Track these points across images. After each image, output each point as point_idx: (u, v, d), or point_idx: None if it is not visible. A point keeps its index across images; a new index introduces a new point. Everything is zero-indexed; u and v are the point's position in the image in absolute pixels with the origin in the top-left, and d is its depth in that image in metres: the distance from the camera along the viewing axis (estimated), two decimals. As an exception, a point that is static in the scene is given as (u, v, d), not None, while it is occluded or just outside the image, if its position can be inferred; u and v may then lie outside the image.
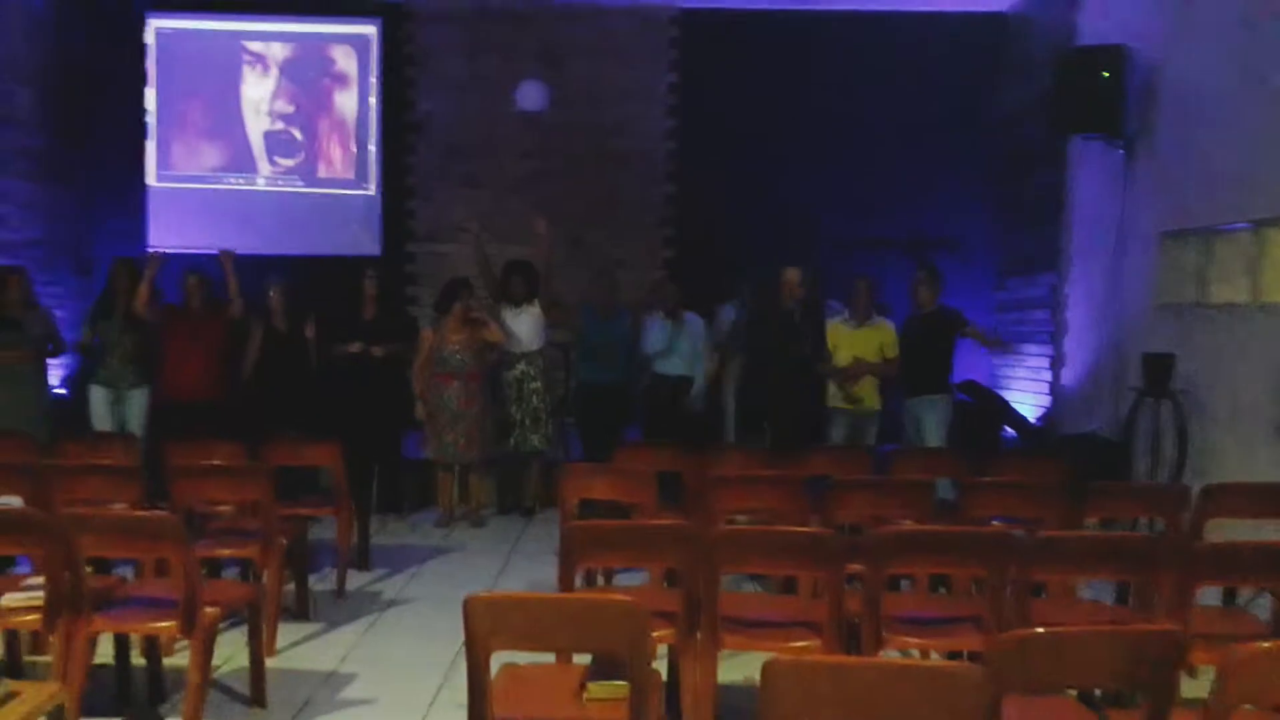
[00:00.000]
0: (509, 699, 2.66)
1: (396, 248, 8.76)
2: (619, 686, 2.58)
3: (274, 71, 8.85)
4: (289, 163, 8.88)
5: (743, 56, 8.47)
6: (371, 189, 8.84)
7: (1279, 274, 5.24)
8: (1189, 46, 6.09)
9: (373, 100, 8.82)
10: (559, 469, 5.68)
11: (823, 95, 8.37)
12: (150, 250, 7.38)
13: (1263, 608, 3.84)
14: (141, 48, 8.59)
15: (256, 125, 8.85)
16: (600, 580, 4.39)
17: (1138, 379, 6.14)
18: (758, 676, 3.74)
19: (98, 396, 6.39)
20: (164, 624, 3.34)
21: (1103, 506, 4.29)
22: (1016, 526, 3.97)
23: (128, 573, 4.18)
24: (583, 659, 3.00)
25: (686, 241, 8.63)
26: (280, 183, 8.85)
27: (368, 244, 8.72)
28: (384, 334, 6.69)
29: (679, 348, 6.93)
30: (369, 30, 8.81)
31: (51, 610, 3.24)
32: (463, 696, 2.56)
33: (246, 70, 8.82)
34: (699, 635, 3.17)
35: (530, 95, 8.62)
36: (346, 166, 8.88)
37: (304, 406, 6.45)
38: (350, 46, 8.85)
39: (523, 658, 2.80)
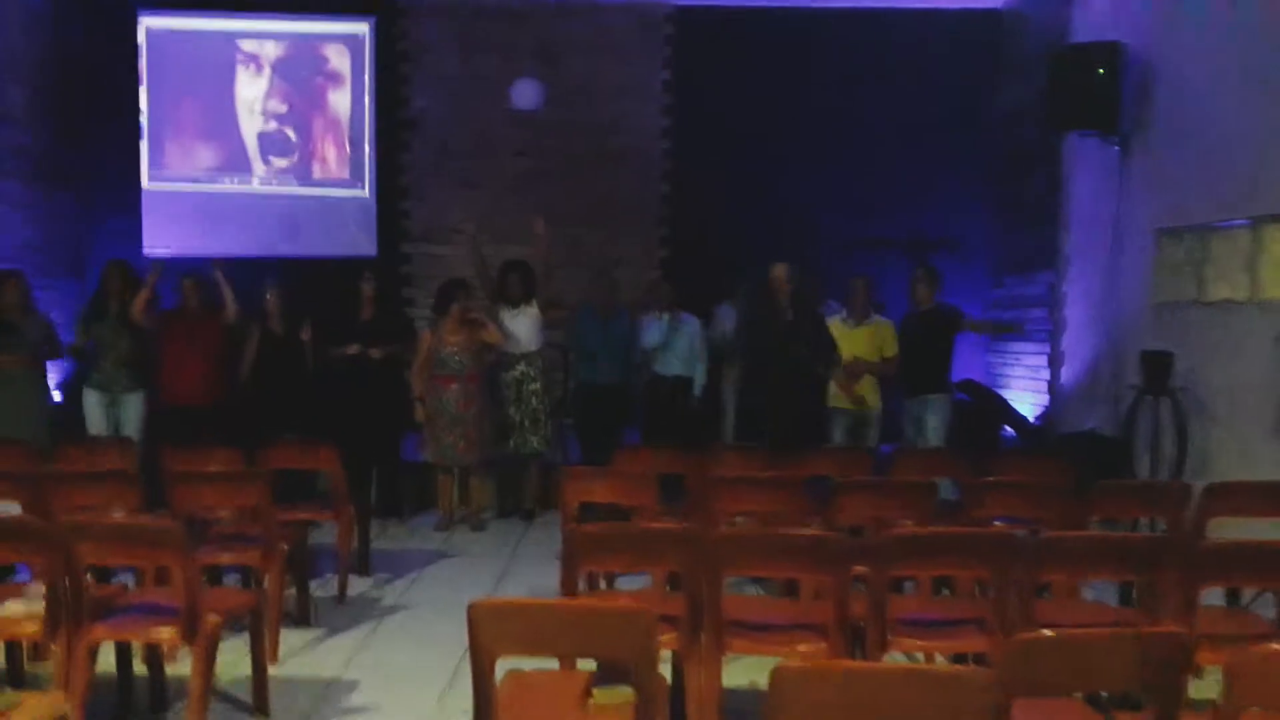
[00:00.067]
0: (514, 706, 2.64)
1: (392, 248, 8.73)
2: (625, 693, 2.57)
3: (267, 71, 8.82)
4: (283, 163, 8.85)
5: (738, 54, 8.46)
6: (366, 189, 8.81)
7: (1277, 271, 5.25)
8: (1183, 42, 6.10)
9: (367, 99, 8.78)
10: (558, 471, 5.68)
11: (819, 93, 8.37)
12: (151, 257, 7.34)
13: (1266, 606, 3.85)
14: (134, 48, 8.54)
15: (250, 125, 8.82)
16: (602, 584, 4.37)
17: (1136, 377, 6.15)
18: (763, 680, 3.76)
19: (92, 400, 6.36)
20: (166, 632, 3.32)
21: (1105, 506, 4.29)
22: (1018, 527, 3.98)
23: (128, 580, 4.16)
24: (587, 664, 2.99)
25: (683, 241, 8.62)
26: (275, 183, 8.82)
27: (363, 244, 8.70)
28: (381, 336, 6.67)
29: (676, 347, 6.93)
30: (362, 28, 8.78)
31: (52, 619, 3.22)
32: (466, 703, 2.55)
33: (240, 70, 8.79)
34: (703, 640, 3.16)
35: (525, 93, 8.60)
36: (341, 166, 8.85)
37: (301, 409, 6.43)
38: (343, 45, 8.82)
39: (525, 663, 2.78)
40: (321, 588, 5.07)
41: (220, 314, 6.48)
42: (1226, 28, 5.70)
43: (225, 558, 4.38)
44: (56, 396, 7.29)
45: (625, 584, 4.53)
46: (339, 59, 8.82)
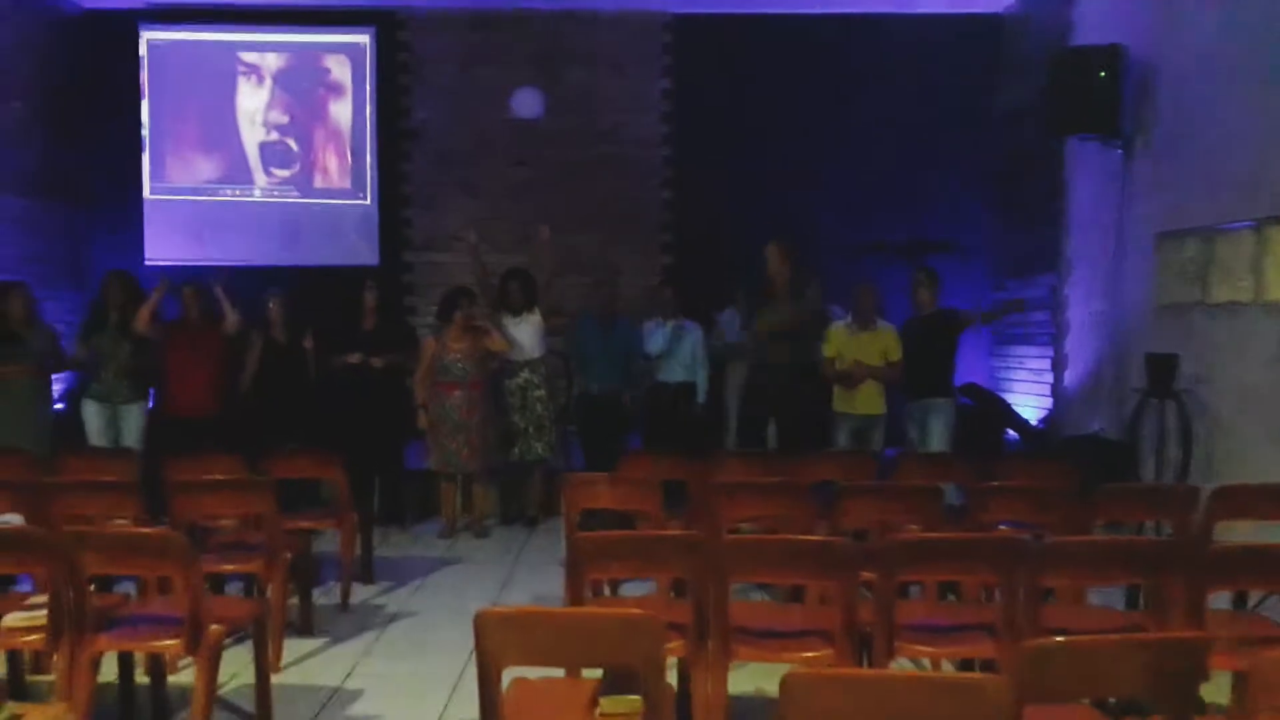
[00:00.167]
0: (520, 715, 2.62)
1: (393, 257, 8.73)
2: (632, 701, 2.55)
3: (268, 82, 8.83)
4: (285, 173, 8.85)
5: (737, 61, 8.48)
6: (368, 198, 8.81)
7: (1281, 273, 5.24)
8: (1184, 44, 6.09)
9: (368, 109, 8.79)
10: (561, 478, 5.66)
11: (819, 99, 8.38)
12: (152, 268, 7.34)
13: (1273, 609, 3.83)
14: (136, 60, 8.56)
15: (252, 136, 8.83)
16: (606, 591, 4.35)
17: (1140, 380, 6.13)
18: (769, 687, 3.76)
19: (91, 411, 6.35)
20: (169, 642, 3.30)
21: (1110, 509, 4.27)
22: (1023, 531, 3.96)
23: (129, 589, 4.14)
24: (592, 672, 2.97)
25: (684, 248, 8.62)
26: (276, 194, 8.82)
27: (365, 254, 8.69)
28: (383, 344, 6.66)
29: (678, 354, 6.93)
30: (363, 39, 8.79)
31: (55, 630, 3.20)
32: (471, 711, 2.53)
33: (241, 81, 8.80)
34: (710, 647, 3.14)
35: (525, 102, 8.63)
36: (343, 176, 8.85)
37: (304, 418, 6.42)
38: (344, 56, 8.83)
39: (528, 672, 2.76)
40: (324, 596, 5.05)
41: (221, 324, 6.48)
42: (1227, 29, 5.70)
43: (227, 566, 4.36)
44: (59, 407, 7.28)
45: (628, 590, 4.52)
46: (340, 69, 8.83)
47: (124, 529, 3.85)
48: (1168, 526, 4.55)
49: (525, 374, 6.70)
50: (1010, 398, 8.00)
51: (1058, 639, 2.14)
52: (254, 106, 8.81)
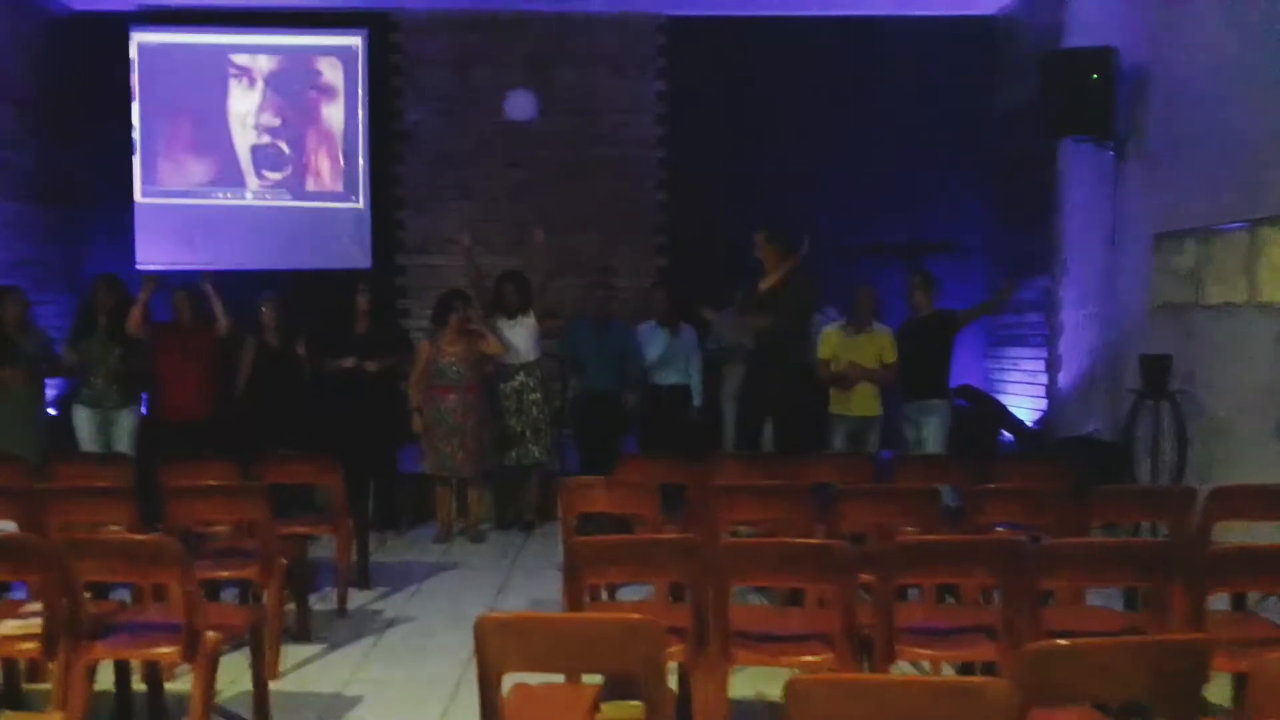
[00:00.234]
0: (522, 721, 2.61)
1: (386, 260, 8.70)
2: (634, 706, 2.54)
3: (260, 84, 8.79)
4: (277, 176, 8.82)
5: (731, 63, 8.48)
6: (360, 202, 8.78)
7: (1275, 273, 5.25)
8: (1177, 45, 6.11)
9: (360, 112, 8.76)
10: (557, 482, 5.65)
11: (814, 101, 8.38)
12: (142, 271, 7.30)
13: (1272, 610, 3.84)
14: (127, 62, 8.51)
15: (243, 139, 8.79)
16: (604, 595, 4.34)
17: (1135, 381, 6.14)
18: (769, 691, 3.76)
19: (82, 417, 6.30)
20: (165, 650, 3.28)
21: (1107, 511, 4.27)
22: (1019, 533, 3.96)
23: (124, 596, 4.12)
24: (592, 678, 2.96)
25: (680, 250, 8.61)
26: (268, 196, 8.79)
27: (358, 257, 8.66)
28: (377, 348, 6.64)
29: (673, 356, 6.92)
30: (355, 41, 8.76)
31: (50, 638, 3.18)
32: (470, 717, 2.52)
33: (232, 84, 8.76)
34: (710, 651, 3.13)
35: (519, 105, 8.61)
36: (335, 179, 8.82)
37: (297, 423, 6.39)
38: (336, 58, 8.80)
39: (527, 677, 2.75)
40: (321, 602, 5.03)
41: (214, 327, 6.45)
42: (1220, 29, 5.71)
43: (223, 573, 4.33)
44: (51, 412, 7.24)
45: (626, 595, 4.51)
46: (332, 72, 8.80)
47: (118, 536, 3.83)
48: (1163, 528, 4.56)
49: (521, 377, 6.68)
50: (1005, 399, 8.02)
51: (1060, 641, 2.14)
52: (245, 109, 8.78)
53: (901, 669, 3.49)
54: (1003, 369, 8.43)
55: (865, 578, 3.25)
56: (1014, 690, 1.96)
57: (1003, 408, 7.78)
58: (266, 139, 8.80)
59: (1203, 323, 5.79)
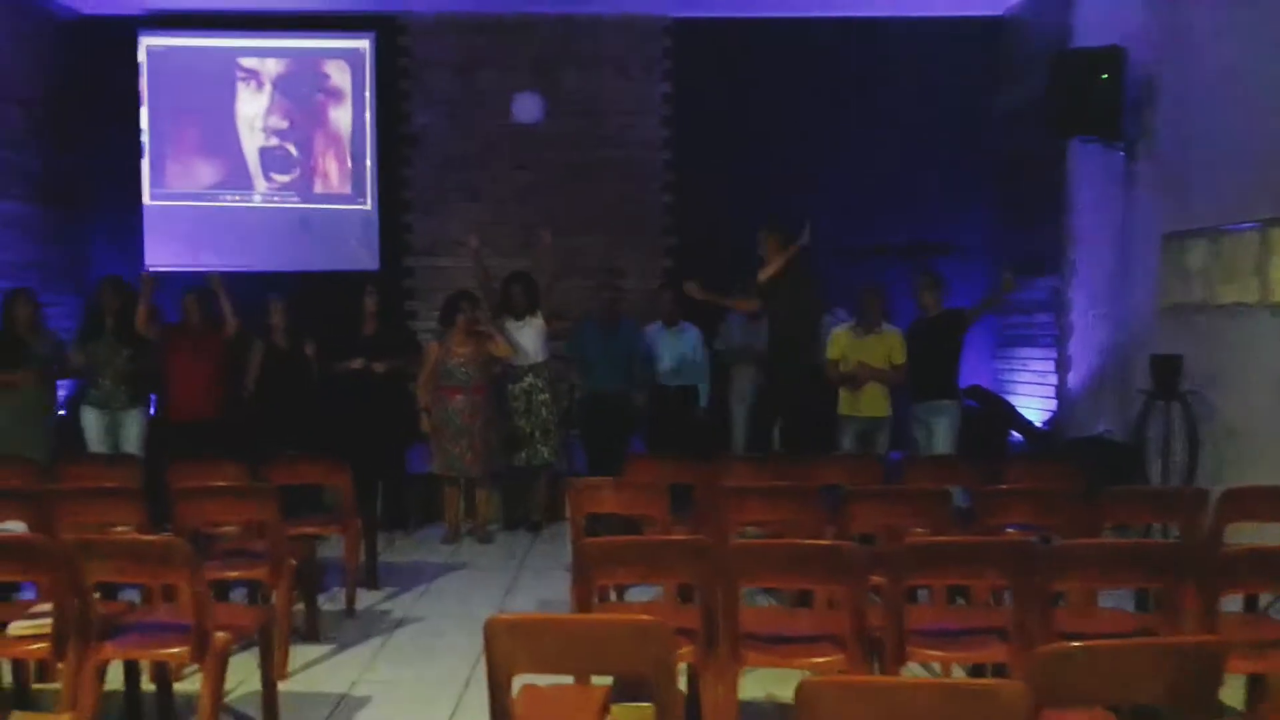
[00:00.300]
0: (532, 723, 2.60)
1: (394, 262, 8.71)
2: (644, 708, 2.53)
3: (268, 87, 8.81)
4: (285, 179, 8.83)
5: (737, 65, 8.47)
6: (368, 204, 8.79)
7: (1287, 273, 5.23)
8: (1185, 45, 6.08)
9: (368, 114, 8.78)
10: (564, 482, 5.65)
11: (820, 102, 8.38)
12: (144, 270, 7.31)
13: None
14: (135, 66, 8.54)
15: (251, 142, 8.81)
16: (613, 596, 4.33)
17: (1145, 381, 6.11)
18: (779, 693, 3.74)
19: (90, 418, 6.30)
20: (175, 650, 3.28)
21: (1118, 512, 4.25)
22: (1030, 534, 3.94)
23: (133, 597, 4.12)
24: (602, 679, 2.95)
25: (686, 251, 8.60)
26: (276, 199, 8.80)
27: (365, 259, 8.67)
28: (385, 350, 6.65)
29: (679, 356, 6.91)
30: (362, 44, 8.77)
31: (60, 638, 3.18)
32: (479, 718, 2.51)
33: (240, 87, 8.78)
34: (720, 652, 3.12)
35: (526, 107, 8.62)
36: (343, 181, 8.83)
37: (306, 424, 6.39)
38: (344, 61, 8.81)
39: (535, 678, 2.74)
40: (329, 602, 5.03)
41: (223, 328, 6.46)
42: (1229, 29, 5.69)
43: (232, 573, 4.34)
44: (61, 413, 7.26)
45: (633, 596, 4.50)
46: (340, 75, 8.82)
47: (128, 536, 3.83)
48: (1174, 529, 4.53)
49: (529, 378, 6.68)
50: (1014, 400, 7.99)
51: (1075, 643, 2.12)
52: (254, 112, 8.80)
53: (911, 670, 3.47)
54: (1012, 369, 8.40)
55: (875, 579, 3.23)
56: (1027, 692, 1.95)
57: (1012, 408, 7.75)
58: (274, 142, 8.82)
59: (1213, 323, 5.77)
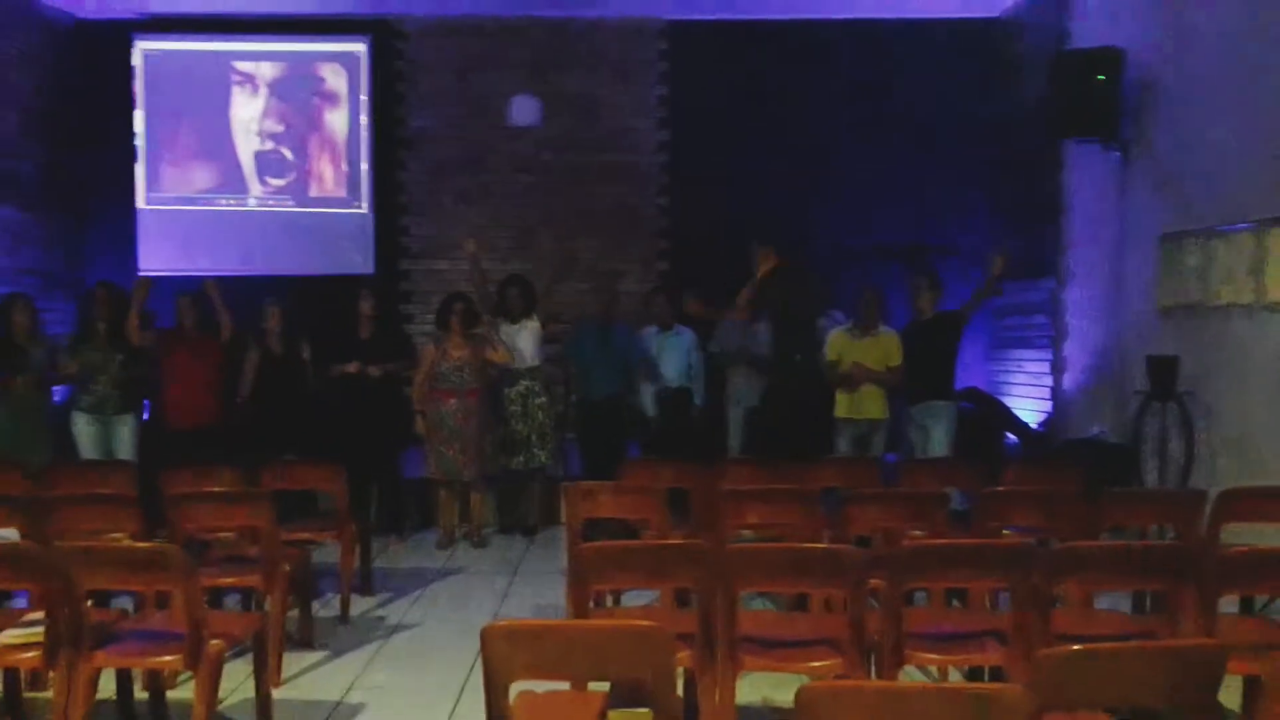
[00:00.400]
0: (529, 729, 2.58)
1: (390, 266, 8.69)
2: (642, 714, 2.51)
3: (263, 91, 8.79)
4: (280, 182, 8.82)
5: (734, 67, 8.47)
6: (364, 207, 8.77)
7: (1283, 274, 5.22)
8: (1183, 46, 6.09)
9: (363, 118, 8.76)
10: (559, 486, 5.63)
11: (816, 104, 8.38)
12: (138, 275, 7.28)
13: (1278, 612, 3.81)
14: (130, 70, 8.52)
15: (246, 145, 8.79)
16: (609, 601, 4.31)
17: (1141, 382, 6.11)
18: (776, 697, 3.73)
19: (82, 424, 6.26)
20: (168, 658, 3.25)
21: (1116, 514, 4.24)
22: (1028, 536, 3.93)
23: (126, 603, 4.10)
24: (599, 685, 2.93)
25: (682, 253, 8.60)
26: (271, 203, 8.78)
27: (361, 263, 8.65)
28: (380, 353, 6.63)
29: (674, 360, 6.89)
30: (358, 48, 8.76)
31: (52, 646, 3.15)
32: (476, 724, 2.49)
33: (235, 90, 8.76)
34: (718, 656, 3.10)
35: (522, 110, 8.60)
36: (338, 185, 8.82)
37: (301, 428, 6.37)
38: (339, 65, 8.80)
39: (530, 685, 2.72)
40: (324, 608, 5.00)
41: (218, 333, 6.43)
42: (1225, 29, 5.69)
43: (227, 580, 4.31)
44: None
45: (628, 600, 4.48)
46: (335, 79, 8.80)
47: (121, 544, 3.81)
48: (1170, 530, 4.52)
49: (526, 381, 6.66)
50: (1010, 402, 7.98)
51: (1076, 647, 2.11)
52: (249, 116, 8.78)
53: (909, 674, 3.46)
54: (1008, 371, 8.39)
55: (872, 582, 3.22)
56: (1029, 696, 1.93)
57: (1008, 410, 7.74)
58: (270, 145, 8.80)
59: (1210, 324, 5.76)
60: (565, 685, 2.94)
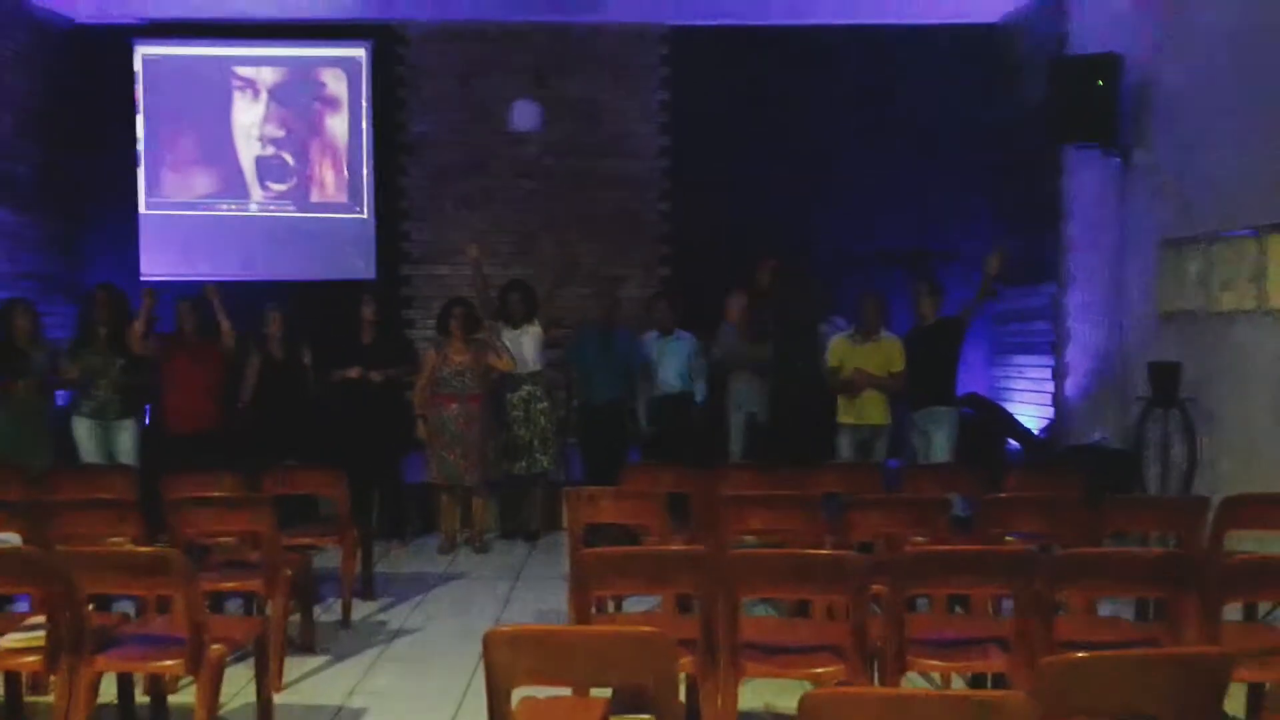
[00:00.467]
0: (531, 735, 2.58)
1: (391, 271, 8.69)
2: (644, 720, 2.51)
3: (264, 96, 8.80)
4: (281, 187, 8.81)
5: (735, 73, 8.47)
6: (365, 212, 8.78)
7: (1284, 280, 5.22)
8: (1182, 51, 6.09)
9: (364, 123, 8.76)
10: (561, 491, 5.62)
11: (817, 110, 8.38)
12: (146, 283, 7.28)
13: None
14: (130, 75, 8.52)
15: (247, 150, 8.79)
16: (610, 607, 4.30)
17: (1143, 388, 6.11)
18: (778, 703, 3.72)
19: (83, 429, 6.24)
20: (169, 662, 3.25)
21: (1118, 520, 4.23)
22: (1031, 542, 3.93)
23: (127, 607, 4.09)
24: (601, 690, 2.92)
25: (684, 258, 8.60)
26: (273, 208, 8.78)
27: (362, 268, 8.65)
28: (382, 358, 6.63)
29: (675, 365, 6.88)
30: (359, 53, 8.76)
31: (53, 651, 3.15)
32: (478, 731, 2.48)
33: (236, 95, 8.76)
34: (720, 663, 3.10)
35: (524, 115, 8.60)
36: (339, 190, 8.81)
37: (302, 433, 6.37)
38: (340, 69, 8.80)
39: (531, 691, 2.71)
40: (325, 613, 5.00)
41: (219, 338, 6.42)
42: (1224, 35, 5.70)
43: (227, 584, 4.31)
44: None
45: (630, 606, 4.47)
46: (336, 84, 8.81)
47: (122, 548, 3.81)
48: (1172, 537, 4.52)
49: (528, 386, 6.66)
50: (1011, 408, 7.97)
51: (1080, 655, 2.10)
52: (250, 121, 8.78)
53: (911, 680, 3.45)
54: (1009, 377, 8.39)
55: (875, 588, 3.21)
56: (1032, 704, 1.93)
57: (1010, 416, 7.73)
58: (271, 150, 8.80)
59: (1211, 329, 5.76)
60: (567, 691, 2.95)
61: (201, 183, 8.74)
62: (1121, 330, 6.70)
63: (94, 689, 3.22)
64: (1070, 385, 7.48)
